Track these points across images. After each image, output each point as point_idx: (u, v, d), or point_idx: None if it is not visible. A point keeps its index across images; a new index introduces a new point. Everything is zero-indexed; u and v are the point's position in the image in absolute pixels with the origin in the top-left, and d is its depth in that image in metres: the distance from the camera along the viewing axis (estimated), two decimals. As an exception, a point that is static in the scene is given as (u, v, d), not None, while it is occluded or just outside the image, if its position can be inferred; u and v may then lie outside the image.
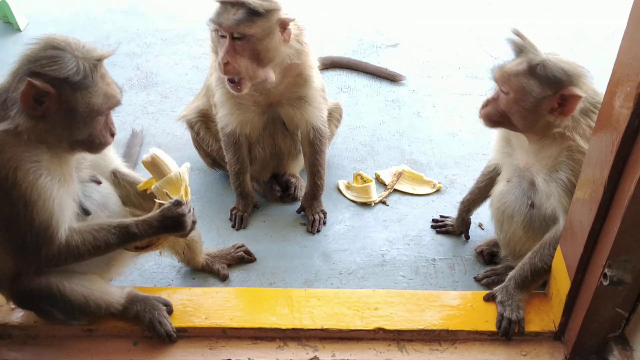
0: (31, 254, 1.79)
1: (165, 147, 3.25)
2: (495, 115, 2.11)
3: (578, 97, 1.96)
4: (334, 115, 3.11)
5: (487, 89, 3.80)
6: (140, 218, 1.93)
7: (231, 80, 2.47)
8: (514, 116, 2.05)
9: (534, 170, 2.20)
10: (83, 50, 1.74)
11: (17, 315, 2.13)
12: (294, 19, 2.49)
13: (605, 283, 1.79)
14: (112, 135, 1.90)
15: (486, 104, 2.15)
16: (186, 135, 3.18)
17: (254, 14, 2.34)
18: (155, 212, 1.94)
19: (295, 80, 2.65)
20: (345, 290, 2.29)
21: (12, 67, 1.74)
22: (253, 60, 2.43)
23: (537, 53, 2.03)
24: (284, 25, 2.45)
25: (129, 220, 1.92)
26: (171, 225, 1.92)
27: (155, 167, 2.00)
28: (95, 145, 1.85)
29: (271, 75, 2.51)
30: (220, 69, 2.42)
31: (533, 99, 2.01)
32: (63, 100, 1.71)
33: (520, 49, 2.09)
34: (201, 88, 3.05)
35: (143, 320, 2.07)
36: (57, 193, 1.77)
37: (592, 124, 2.03)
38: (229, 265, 2.60)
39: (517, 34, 2.10)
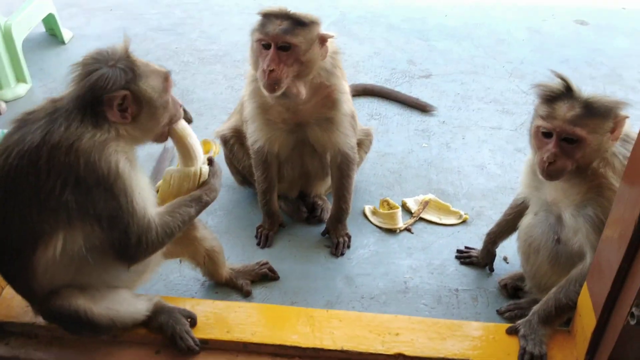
0: (134, 245, 1.90)
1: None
2: (561, 169, 2.06)
3: (626, 117, 2.02)
4: (364, 142, 3.14)
5: (518, 123, 3.83)
6: (203, 188, 2.15)
7: (270, 85, 2.52)
8: (585, 160, 2.05)
9: (562, 205, 2.20)
10: (110, 52, 1.90)
11: (45, 317, 2.18)
12: (333, 36, 2.58)
13: (632, 322, 1.77)
14: (181, 107, 2.14)
15: (553, 160, 2.05)
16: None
17: (298, 24, 2.46)
18: (211, 179, 2.17)
19: (324, 102, 2.70)
20: (367, 314, 2.30)
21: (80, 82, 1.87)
22: (293, 71, 2.51)
23: (579, 91, 2.05)
24: (323, 40, 2.54)
25: (197, 192, 2.13)
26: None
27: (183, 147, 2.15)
28: (176, 120, 2.08)
29: (303, 89, 2.57)
30: (263, 76, 2.49)
31: (599, 135, 2.03)
32: (137, 96, 1.88)
33: (559, 92, 2.09)
34: (237, 105, 3.12)
35: (166, 332, 2.11)
36: (145, 182, 1.94)
37: (624, 158, 2.04)
38: (252, 282, 2.63)
39: (560, 76, 2.11)
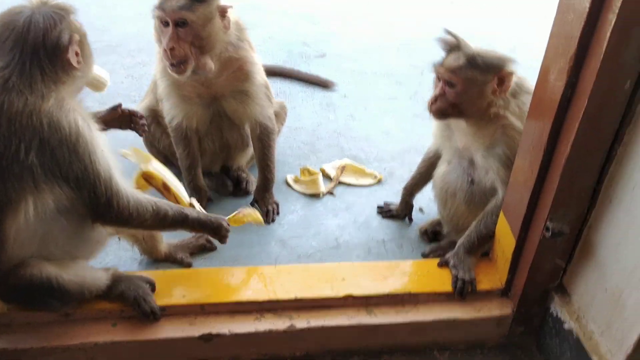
0: (105, 206, 1.89)
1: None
2: (447, 108, 2.35)
3: (512, 74, 2.27)
4: (280, 114, 3.28)
5: (412, 92, 4.15)
6: (196, 212, 2.21)
7: (173, 64, 2.55)
8: (464, 105, 2.32)
9: (473, 149, 2.47)
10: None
11: (-14, 306, 2.09)
12: (232, 6, 2.62)
13: (548, 235, 2.07)
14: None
15: (434, 100, 2.37)
16: (130, 137, 3.21)
17: (195, 0, 2.47)
18: (212, 216, 2.27)
19: (236, 75, 2.78)
20: (313, 265, 2.45)
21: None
22: (195, 46, 2.54)
23: (469, 47, 2.33)
24: (223, 12, 2.59)
25: (187, 209, 2.17)
26: (215, 231, 2.27)
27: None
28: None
29: (210, 63, 2.62)
30: (166, 56, 2.52)
31: (478, 86, 2.29)
32: (81, 47, 1.87)
33: (453, 45, 2.37)
34: (149, 85, 3.11)
35: (128, 299, 2.10)
36: (105, 145, 1.90)
37: (520, 104, 2.35)
38: (191, 255, 2.67)
39: (449, 32, 2.38)
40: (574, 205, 2.05)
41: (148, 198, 2.04)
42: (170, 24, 2.47)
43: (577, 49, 1.82)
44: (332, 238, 2.87)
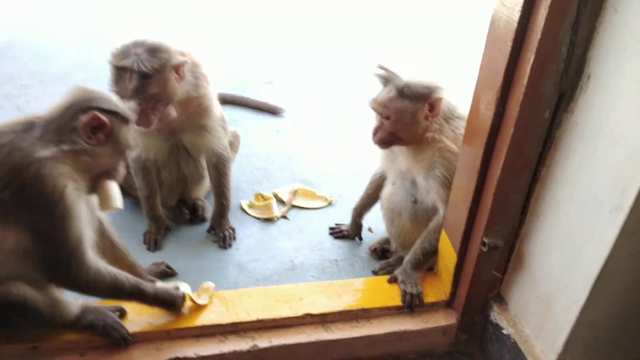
0: (62, 268, 1.98)
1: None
2: (387, 138, 2.55)
3: (440, 99, 2.48)
4: (234, 143, 3.41)
5: (359, 118, 4.36)
6: (153, 287, 2.27)
7: (139, 124, 2.58)
8: (401, 133, 2.52)
9: (414, 172, 2.68)
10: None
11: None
12: (187, 61, 2.72)
13: (485, 249, 2.28)
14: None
15: (375, 132, 2.58)
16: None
17: (147, 77, 2.55)
18: (165, 288, 2.33)
19: (196, 111, 2.91)
20: (272, 287, 2.58)
21: (64, 102, 2.00)
22: (158, 104, 2.65)
23: (399, 79, 2.54)
24: (176, 69, 2.68)
25: (144, 284, 2.24)
26: (170, 307, 2.32)
27: None
28: (116, 175, 2.16)
29: (173, 110, 2.75)
30: (139, 125, 2.58)
31: (410, 114, 2.50)
32: (113, 132, 2.01)
33: (386, 79, 2.58)
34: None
35: (97, 328, 2.18)
36: (86, 217, 1.99)
37: (454, 128, 2.57)
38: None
39: (381, 67, 2.59)
40: (507, 221, 2.27)
41: (109, 269, 2.11)
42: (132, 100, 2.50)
43: (503, 83, 2.05)
44: (287, 260, 3.02)
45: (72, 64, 4.70)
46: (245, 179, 3.61)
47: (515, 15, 1.94)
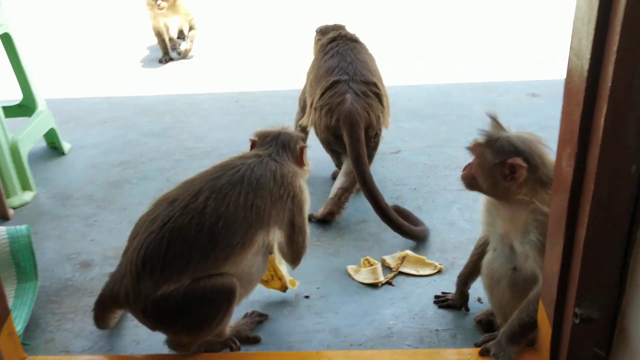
0: (302, 249, 2.83)
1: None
2: (468, 177, 2.52)
3: (522, 167, 2.32)
4: None
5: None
6: None
7: None
8: (479, 178, 2.45)
9: (512, 236, 2.51)
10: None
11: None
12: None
13: (577, 321, 2.04)
14: None
15: (465, 168, 2.56)
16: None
17: None
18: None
19: None
20: (354, 351, 2.56)
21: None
22: None
23: (502, 130, 2.44)
24: None
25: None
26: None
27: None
28: None
29: None
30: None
31: (488, 164, 2.40)
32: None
33: (493, 127, 2.51)
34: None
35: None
36: None
37: (550, 192, 2.38)
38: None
39: (491, 116, 2.53)
40: (602, 290, 2.02)
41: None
42: None
43: (579, 135, 1.90)
44: (385, 327, 2.94)
45: (219, 140, 5.21)
46: (356, 244, 3.64)
47: (586, 64, 1.82)
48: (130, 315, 2.83)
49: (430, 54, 7.66)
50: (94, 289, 3.22)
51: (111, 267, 3.42)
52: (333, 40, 4.21)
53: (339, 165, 4.29)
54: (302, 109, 4.37)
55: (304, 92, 4.38)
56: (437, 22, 9.51)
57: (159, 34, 7.56)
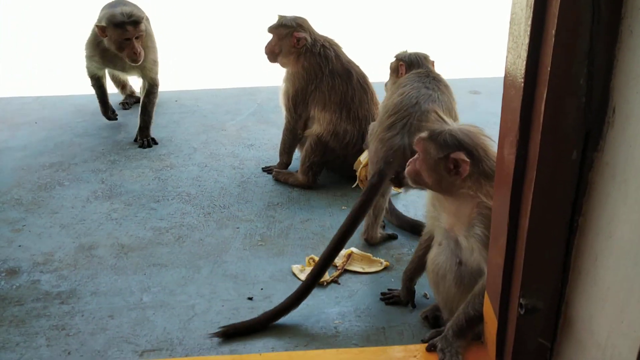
0: None
1: (128, 247, 3.47)
2: (412, 173, 2.46)
3: (465, 162, 2.30)
4: None
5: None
6: None
7: None
8: (424, 173, 2.40)
9: (457, 230, 2.48)
10: None
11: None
12: None
13: (522, 312, 2.01)
14: None
15: (409, 163, 2.50)
16: (147, 236, 3.39)
17: None
18: None
19: None
20: (297, 352, 2.46)
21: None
22: None
23: (445, 125, 2.41)
24: None
25: None
26: None
27: None
28: None
29: None
30: None
31: (432, 159, 2.37)
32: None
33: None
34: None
35: None
36: None
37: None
38: None
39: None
40: (546, 279, 2.00)
41: None
42: None
43: (520, 123, 1.87)
44: (331, 327, 2.86)
45: (158, 139, 5.01)
46: (300, 243, 3.55)
47: (524, 50, 1.79)
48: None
49: (372, 52, 7.66)
50: (21, 298, 3.01)
51: (40, 273, 3.23)
52: None
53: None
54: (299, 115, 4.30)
55: (295, 96, 4.24)
56: (376, 19, 9.55)
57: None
